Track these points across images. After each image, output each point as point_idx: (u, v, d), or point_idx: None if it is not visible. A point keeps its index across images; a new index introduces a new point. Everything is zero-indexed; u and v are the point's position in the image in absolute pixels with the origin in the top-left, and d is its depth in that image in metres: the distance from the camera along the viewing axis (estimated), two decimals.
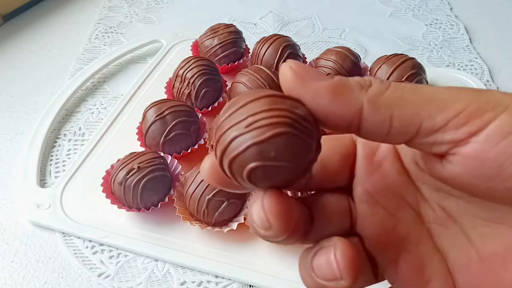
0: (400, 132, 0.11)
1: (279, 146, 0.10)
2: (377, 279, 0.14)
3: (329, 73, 0.35)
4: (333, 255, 0.12)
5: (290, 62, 0.11)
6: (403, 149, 0.14)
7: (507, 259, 0.12)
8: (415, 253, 0.13)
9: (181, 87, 0.35)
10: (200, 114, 0.34)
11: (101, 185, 0.30)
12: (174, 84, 0.36)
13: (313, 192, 0.14)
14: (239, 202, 0.28)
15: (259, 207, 0.11)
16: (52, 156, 0.35)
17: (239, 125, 0.10)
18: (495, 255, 0.12)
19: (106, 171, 0.30)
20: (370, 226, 0.14)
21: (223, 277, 0.27)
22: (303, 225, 0.12)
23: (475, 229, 0.13)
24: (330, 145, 0.14)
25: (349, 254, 0.12)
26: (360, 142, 0.14)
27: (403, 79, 0.35)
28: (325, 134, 0.13)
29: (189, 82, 0.34)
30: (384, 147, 0.14)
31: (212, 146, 0.32)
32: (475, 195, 0.11)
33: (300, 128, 0.10)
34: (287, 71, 0.11)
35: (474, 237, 0.13)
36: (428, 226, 0.14)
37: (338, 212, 0.14)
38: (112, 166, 0.30)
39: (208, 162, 0.12)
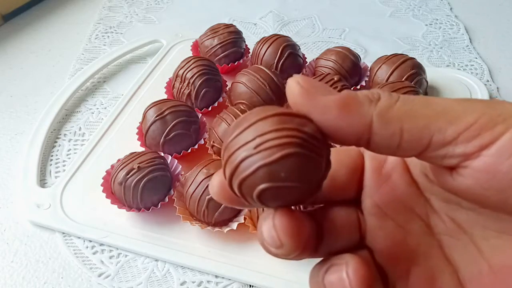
0: (410, 146, 0.11)
1: (289, 167, 0.10)
2: None
3: (329, 73, 0.35)
4: (345, 273, 0.12)
5: (297, 77, 0.11)
6: (412, 160, 0.14)
7: None
8: (425, 266, 0.13)
9: (181, 87, 0.35)
10: (200, 114, 0.34)
11: (101, 185, 0.30)
12: (174, 84, 0.36)
13: (321, 205, 0.14)
14: None
15: (270, 226, 0.11)
16: (52, 156, 0.35)
17: (247, 145, 0.10)
18: (506, 267, 0.12)
19: (106, 171, 0.30)
20: (379, 239, 0.14)
21: (223, 277, 0.27)
22: (313, 241, 0.12)
23: (486, 240, 0.12)
24: (338, 157, 0.14)
25: (361, 272, 0.12)
26: (368, 155, 0.14)
27: (403, 79, 0.35)
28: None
29: (189, 82, 0.34)
30: (393, 159, 0.14)
31: (212, 146, 0.32)
32: (486, 206, 0.11)
33: (309, 147, 0.10)
34: (294, 86, 0.11)
35: (485, 248, 0.12)
36: (438, 237, 0.13)
37: (347, 226, 0.14)
38: (112, 166, 0.30)
39: (217, 180, 0.12)
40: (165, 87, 0.37)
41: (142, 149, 0.32)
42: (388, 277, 0.14)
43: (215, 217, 0.28)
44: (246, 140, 0.10)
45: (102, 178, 0.30)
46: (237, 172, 0.11)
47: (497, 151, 0.10)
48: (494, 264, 0.12)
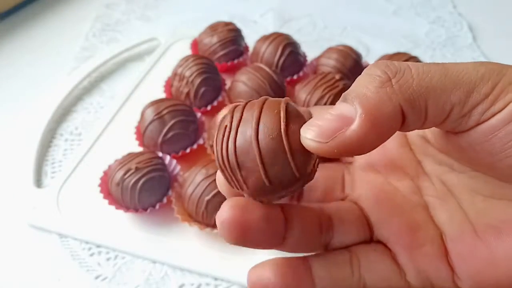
0: (433, 119, 0.11)
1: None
2: (372, 240, 0.14)
3: (330, 72, 0.35)
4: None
5: (306, 135, 0.11)
6: None
7: (503, 232, 0.12)
8: (408, 218, 0.14)
9: (180, 86, 0.35)
10: (199, 114, 0.34)
11: (99, 185, 0.29)
12: (172, 83, 0.35)
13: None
14: None
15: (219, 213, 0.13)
16: (48, 156, 0.34)
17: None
18: (490, 228, 0.12)
19: (103, 172, 0.30)
20: (366, 189, 0.14)
21: (222, 280, 0.27)
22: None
23: (473, 204, 0.13)
24: None
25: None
26: None
27: None
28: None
29: (188, 81, 0.34)
30: None
31: (211, 146, 0.31)
32: (477, 169, 0.12)
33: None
34: (312, 145, 0.11)
35: (471, 212, 0.13)
36: (425, 198, 0.14)
37: (331, 178, 0.15)
38: (109, 167, 0.30)
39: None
40: (163, 86, 0.37)
41: (140, 149, 0.31)
42: (370, 221, 0.14)
43: (214, 218, 0.27)
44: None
45: (99, 179, 0.29)
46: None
47: (501, 118, 0.10)
48: (478, 225, 0.13)
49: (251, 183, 0.12)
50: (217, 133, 0.12)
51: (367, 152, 0.11)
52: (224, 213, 0.12)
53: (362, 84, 0.11)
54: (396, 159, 0.14)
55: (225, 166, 0.12)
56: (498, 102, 0.10)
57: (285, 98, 0.12)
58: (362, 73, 0.11)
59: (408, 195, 0.14)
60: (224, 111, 0.15)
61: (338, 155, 0.11)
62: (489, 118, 0.11)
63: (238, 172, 0.12)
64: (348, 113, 0.10)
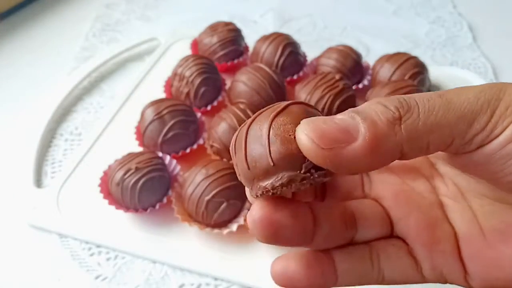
0: (433, 150, 0.12)
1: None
2: (392, 235, 0.15)
3: (330, 72, 0.35)
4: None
5: (304, 129, 0.11)
6: None
7: (508, 235, 0.13)
8: (428, 215, 0.14)
9: (180, 86, 0.35)
10: (199, 114, 0.34)
11: (99, 185, 0.29)
12: (172, 83, 0.35)
13: None
14: (238, 203, 0.28)
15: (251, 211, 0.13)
16: (48, 156, 0.34)
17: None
18: (496, 231, 0.13)
19: (103, 172, 0.30)
20: (384, 186, 0.15)
21: (222, 280, 0.26)
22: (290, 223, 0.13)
23: (481, 207, 0.14)
24: None
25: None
26: None
27: (405, 78, 0.35)
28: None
29: (188, 81, 0.34)
30: None
31: (211, 146, 0.31)
32: (482, 180, 0.13)
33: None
34: (305, 142, 0.11)
35: (479, 214, 0.14)
36: (440, 198, 0.15)
37: (351, 179, 0.15)
38: (109, 167, 0.30)
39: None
40: (163, 86, 0.37)
41: (140, 149, 0.31)
42: (391, 217, 0.15)
43: (215, 218, 0.27)
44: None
45: (99, 179, 0.29)
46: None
47: (498, 142, 0.11)
48: (485, 227, 0.13)
49: (240, 169, 0.12)
50: None
51: (352, 174, 0.11)
52: (255, 212, 0.12)
53: (376, 111, 0.11)
54: (412, 161, 0.15)
55: (231, 155, 0.13)
56: (496, 129, 0.11)
57: (301, 102, 0.13)
58: (378, 100, 0.12)
59: (425, 193, 0.15)
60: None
61: (324, 165, 0.11)
62: (488, 143, 0.11)
63: (234, 158, 0.12)
64: (353, 130, 0.11)
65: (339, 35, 0.48)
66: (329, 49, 0.38)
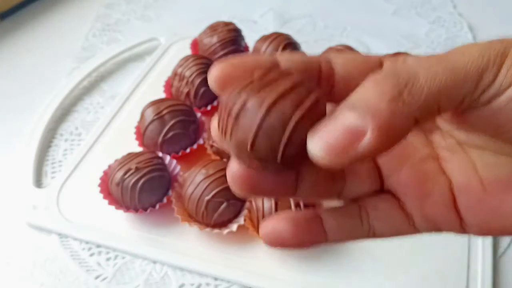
0: (443, 112, 0.11)
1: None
2: (383, 189, 0.14)
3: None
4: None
5: (313, 148, 0.11)
6: None
7: (511, 185, 0.13)
8: (419, 168, 0.14)
9: (180, 86, 0.35)
10: (199, 114, 0.34)
11: (99, 185, 0.29)
12: (172, 83, 0.35)
13: None
14: (238, 203, 0.28)
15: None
16: (48, 156, 0.34)
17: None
18: (498, 181, 0.13)
19: (103, 172, 0.30)
20: None
21: (222, 280, 0.26)
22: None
23: (482, 159, 0.13)
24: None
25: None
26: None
27: None
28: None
29: (188, 81, 0.34)
30: None
31: (211, 146, 0.31)
32: (487, 136, 0.12)
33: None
34: (321, 160, 0.10)
35: (479, 165, 0.13)
36: (436, 151, 0.14)
37: None
38: (109, 166, 0.30)
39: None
40: (163, 86, 0.37)
41: (140, 149, 0.31)
42: (381, 171, 0.14)
43: (214, 218, 0.27)
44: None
45: (99, 179, 0.29)
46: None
47: (508, 95, 0.11)
48: (486, 178, 0.13)
49: (237, 137, 0.11)
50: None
51: (374, 157, 0.11)
52: (233, 165, 0.12)
53: (373, 96, 0.10)
54: None
55: (226, 107, 0.12)
56: (504, 82, 0.11)
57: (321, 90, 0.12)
58: (370, 81, 0.11)
59: (420, 147, 0.14)
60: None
61: (346, 166, 0.11)
62: (496, 97, 0.11)
63: (233, 121, 0.12)
64: (357, 126, 0.10)
65: (339, 35, 0.48)
66: (329, 49, 0.38)
